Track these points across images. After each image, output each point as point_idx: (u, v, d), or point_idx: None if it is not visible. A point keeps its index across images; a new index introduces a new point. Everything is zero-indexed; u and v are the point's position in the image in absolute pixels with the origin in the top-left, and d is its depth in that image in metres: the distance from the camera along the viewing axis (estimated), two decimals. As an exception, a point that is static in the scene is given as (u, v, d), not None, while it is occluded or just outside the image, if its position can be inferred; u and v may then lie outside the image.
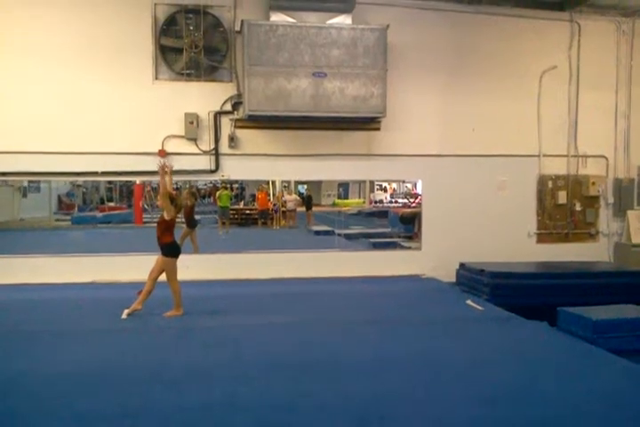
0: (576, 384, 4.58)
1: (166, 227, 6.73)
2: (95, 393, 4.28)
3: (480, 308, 7.32)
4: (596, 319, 6.31)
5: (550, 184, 10.26)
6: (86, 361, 5.05)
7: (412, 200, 14.69)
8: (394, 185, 16.89)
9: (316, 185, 14.17)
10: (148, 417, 3.85)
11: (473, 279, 8.77)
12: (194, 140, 9.20)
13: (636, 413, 4.05)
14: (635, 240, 10.27)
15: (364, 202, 15.40)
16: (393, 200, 16.56)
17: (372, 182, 14.34)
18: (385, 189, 16.75)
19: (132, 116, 9.00)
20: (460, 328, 6.39)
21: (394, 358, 5.20)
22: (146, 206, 11.08)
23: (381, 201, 16.20)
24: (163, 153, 9.06)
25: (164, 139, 9.13)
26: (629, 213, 10.42)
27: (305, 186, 13.59)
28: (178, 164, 9.12)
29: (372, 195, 15.57)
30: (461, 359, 5.21)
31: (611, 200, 10.46)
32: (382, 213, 13.44)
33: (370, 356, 5.28)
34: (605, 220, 10.49)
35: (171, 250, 6.70)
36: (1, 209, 10.34)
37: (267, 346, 5.58)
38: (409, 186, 15.70)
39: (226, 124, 9.33)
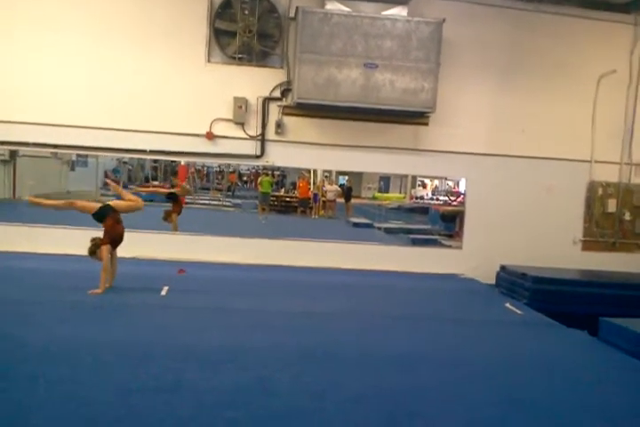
0: (614, 396, 4.43)
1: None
2: (134, 365, 4.33)
3: (519, 312, 7.18)
4: (640, 332, 6.12)
5: (600, 191, 9.96)
6: (127, 334, 5.13)
7: (452, 198, 14.48)
8: (435, 182, 16.70)
9: (357, 177, 14.09)
10: (182, 394, 3.87)
11: (513, 282, 8.60)
12: (241, 124, 9.22)
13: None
14: (684, 254, 9.94)
15: (404, 197, 15.24)
16: (434, 197, 16.35)
17: (414, 178, 14.19)
18: (425, 186, 16.56)
19: (182, 97, 9.08)
20: (497, 330, 6.28)
21: (426, 355, 5.16)
22: (188, 187, 11.18)
23: (422, 197, 16.01)
24: (210, 135, 9.12)
25: (212, 121, 9.18)
26: (680, 225, 10.08)
27: (346, 177, 13.51)
28: (224, 147, 9.24)
29: (413, 190, 15.40)
30: (495, 361, 5.12)
31: (662, 211, 10.13)
32: (423, 210, 13.28)
33: (402, 351, 5.23)
34: (655, 231, 10.16)
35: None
36: (49, 181, 10.59)
37: (301, 334, 5.58)
38: (450, 184, 15.48)
39: (274, 111, 9.32)
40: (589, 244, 9.98)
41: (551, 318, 6.95)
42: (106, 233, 6.62)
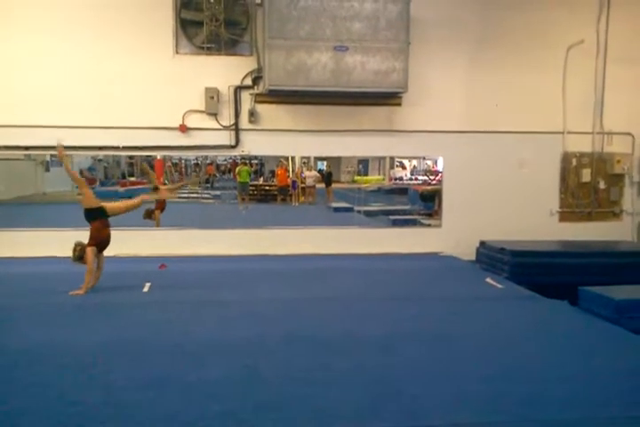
0: (597, 363, 4.54)
1: None
2: (119, 363, 4.35)
3: (499, 286, 7.29)
4: (619, 299, 6.24)
5: (574, 162, 10.08)
6: (111, 333, 5.14)
7: (431, 177, 14.54)
8: (414, 162, 16.70)
9: (335, 161, 14.05)
10: (170, 388, 3.90)
11: (493, 258, 8.72)
12: (214, 115, 9.18)
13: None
14: (659, 220, 10.12)
15: (383, 179, 15.24)
16: (413, 177, 16.35)
17: (391, 159, 14.20)
18: (404, 166, 16.56)
19: (152, 91, 9.00)
20: (479, 306, 6.36)
21: (411, 335, 5.22)
22: (166, 182, 11.12)
23: (401, 178, 16.00)
24: (183, 128, 9.06)
25: (185, 113, 9.12)
26: (654, 191, 10.25)
27: (324, 162, 13.50)
28: (198, 139, 9.19)
29: (391, 172, 15.42)
30: (479, 337, 5.21)
31: (636, 178, 10.27)
32: (402, 191, 13.31)
33: (387, 332, 5.30)
34: (630, 198, 10.31)
35: None
36: (24, 183, 10.46)
37: (285, 321, 5.62)
38: (429, 163, 15.52)
39: (246, 99, 9.28)
40: (566, 215, 10.12)
41: (532, 291, 7.06)
42: (92, 235, 6.58)
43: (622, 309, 6.14)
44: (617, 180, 10.24)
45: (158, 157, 10.54)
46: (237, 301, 6.39)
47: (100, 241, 6.60)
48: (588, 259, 8.35)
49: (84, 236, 6.64)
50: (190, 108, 9.14)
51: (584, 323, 5.83)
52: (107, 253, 7.15)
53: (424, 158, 14.83)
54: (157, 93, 9.01)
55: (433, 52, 9.48)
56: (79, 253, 6.51)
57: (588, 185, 10.14)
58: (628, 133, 10.15)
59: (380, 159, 14.73)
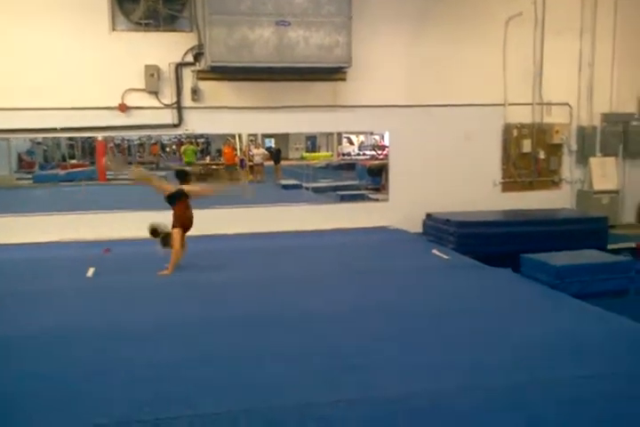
0: (539, 328, 4.74)
1: None
2: (63, 352, 4.27)
3: (446, 257, 7.46)
4: (558, 265, 6.53)
5: (515, 133, 10.32)
6: (55, 320, 5.02)
7: (379, 152, 14.65)
8: (361, 137, 16.75)
9: (283, 138, 13.96)
10: (118, 374, 3.86)
11: (439, 229, 8.91)
12: (155, 93, 8.95)
13: (591, 347, 4.31)
14: (596, 187, 10.49)
15: (331, 155, 15.25)
16: (361, 153, 16.43)
17: (339, 135, 14.20)
18: (352, 142, 16.60)
19: (89, 70, 8.70)
20: (426, 277, 6.51)
21: (363, 309, 5.28)
22: (109, 163, 10.85)
23: (349, 154, 16.05)
24: (123, 107, 8.82)
25: (124, 92, 8.86)
26: (591, 160, 10.60)
27: (272, 139, 13.40)
28: (139, 118, 8.96)
29: (339, 147, 15.44)
30: (428, 307, 5.32)
31: (574, 148, 10.60)
32: (350, 166, 13.38)
33: (339, 307, 5.34)
34: (568, 167, 10.67)
35: None
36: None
37: (236, 302, 5.58)
38: (377, 138, 15.61)
39: (188, 77, 9.08)
40: (508, 185, 10.39)
41: (477, 260, 7.26)
42: (177, 217, 6.81)
43: (562, 274, 6.44)
44: (556, 149, 10.56)
45: (99, 139, 10.24)
46: (184, 282, 6.30)
47: (184, 221, 6.83)
48: (529, 227, 8.65)
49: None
50: (130, 86, 8.88)
51: (526, 289, 6.05)
52: (50, 238, 7.01)
53: (372, 133, 14.90)
54: (95, 72, 8.70)
55: (376, 26, 9.46)
56: (165, 239, 6.75)
57: (528, 155, 10.42)
58: (566, 104, 10.44)
59: (328, 135, 14.71)
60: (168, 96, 9.03)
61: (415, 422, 3.23)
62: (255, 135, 12.17)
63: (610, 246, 8.82)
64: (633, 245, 9.10)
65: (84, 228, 8.78)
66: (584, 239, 8.32)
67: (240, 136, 11.74)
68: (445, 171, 9.90)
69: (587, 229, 8.83)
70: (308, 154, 14.87)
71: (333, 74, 9.36)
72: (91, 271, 6.67)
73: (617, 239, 9.31)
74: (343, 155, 15.35)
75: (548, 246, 7.43)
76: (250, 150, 11.95)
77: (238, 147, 11.89)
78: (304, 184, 11.56)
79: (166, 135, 10.94)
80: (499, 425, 3.19)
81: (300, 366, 3.97)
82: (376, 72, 9.53)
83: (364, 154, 15.73)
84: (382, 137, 14.20)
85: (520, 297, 5.75)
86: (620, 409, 3.33)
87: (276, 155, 12.59)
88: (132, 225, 8.87)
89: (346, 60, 8.89)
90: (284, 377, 3.79)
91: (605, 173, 10.56)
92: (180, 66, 9.02)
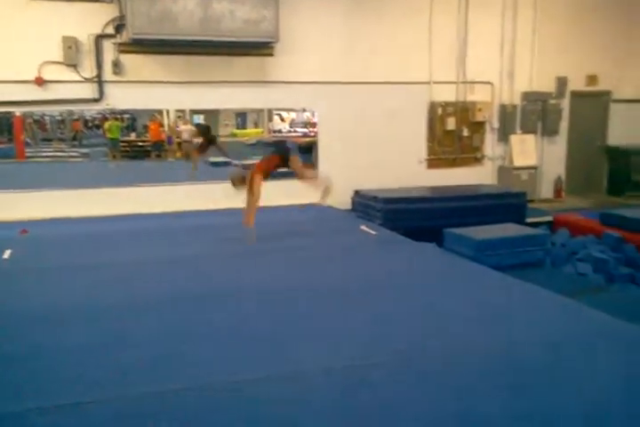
0: (459, 298, 4.95)
1: None
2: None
3: (373, 232, 7.60)
4: (478, 239, 6.78)
5: (440, 111, 10.56)
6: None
7: (311, 129, 14.63)
8: (292, 114, 16.67)
9: (212, 115, 13.72)
10: (34, 360, 3.76)
11: (367, 206, 9.06)
12: (74, 66, 8.56)
13: (502, 314, 4.57)
14: (516, 163, 10.93)
15: (262, 132, 15.14)
16: (292, 130, 16.36)
17: (270, 111, 14.10)
18: (283, 119, 16.49)
19: (3, 41, 8.19)
20: (354, 253, 6.60)
21: (291, 286, 5.29)
22: (28, 140, 10.36)
23: (280, 131, 15.96)
24: (40, 81, 8.40)
25: (41, 65, 8.43)
26: (512, 137, 11.00)
27: (201, 116, 13.13)
28: (57, 93, 8.57)
29: (270, 124, 15.32)
30: (355, 283, 5.39)
31: (495, 125, 10.95)
32: (282, 143, 13.34)
33: (265, 285, 5.33)
34: (490, 144, 11.03)
35: None
36: None
37: (160, 282, 5.43)
38: (308, 114, 15.57)
39: (109, 49, 8.71)
40: (434, 161, 10.66)
41: (405, 235, 7.42)
42: (262, 167, 6.85)
43: (481, 247, 6.69)
44: (479, 127, 10.88)
45: (17, 114, 9.75)
46: (104, 264, 6.05)
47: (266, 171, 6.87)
48: (452, 203, 8.93)
49: None
50: (47, 59, 8.45)
51: (447, 261, 6.27)
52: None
53: (303, 110, 14.85)
54: (9, 44, 8.20)
55: (305, 1, 9.37)
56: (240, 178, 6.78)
57: (452, 133, 10.70)
58: (489, 82, 10.74)
59: (259, 112, 14.57)
60: (88, 69, 8.66)
61: (341, 394, 3.30)
62: (183, 111, 11.90)
63: (529, 220, 9.24)
64: (550, 218, 9.55)
65: (4, 207, 8.37)
66: (504, 214, 8.65)
67: (168, 112, 11.46)
68: (373, 148, 10.02)
69: (507, 203, 9.20)
70: (238, 131, 14.68)
71: (261, 49, 9.22)
72: (7, 253, 6.39)
73: (535, 213, 9.75)
74: (274, 132, 15.26)
75: (470, 221, 7.71)
76: (177, 127, 11.69)
77: (166, 123, 11.61)
78: (234, 161, 11.44)
79: (89, 111, 10.51)
80: (408, 394, 3.31)
81: (225, 345, 3.97)
82: (304, 48, 9.47)
83: (295, 131, 15.68)
84: (314, 114, 14.20)
85: (442, 270, 5.94)
86: (533, 379, 3.47)
87: (204, 131, 12.38)
88: (53, 205, 8.57)
89: (272, 36, 8.77)
90: (210, 356, 3.78)
91: (525, 149, 11.00)
92: (99, 38, 8.65)
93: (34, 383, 3.42)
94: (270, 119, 15.26)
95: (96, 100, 8.74)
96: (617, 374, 3.53)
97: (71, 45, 8.46)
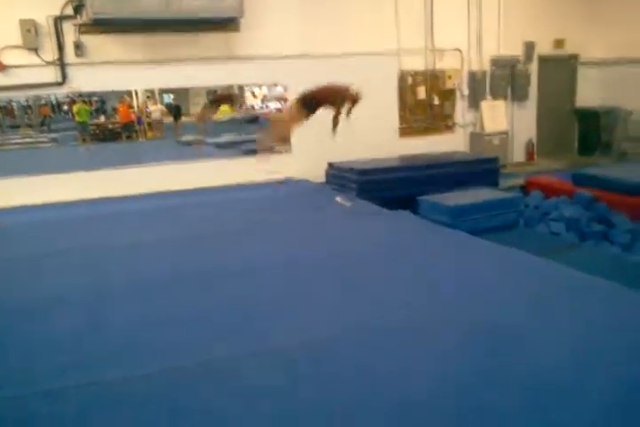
0: (436, 262, 5.07)
1: None
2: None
3: (349, 204, 7.63)
4: (451, 205, 6.87)
5: (410, 80, 10.54)
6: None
7: (284, 104, 14.51)
8: (264, 89, 16.50)
9: (182, 93, 13.54)
10: (10, 347, 3.77)
11: (342, 177, 9.09)
12: (34, 49, 8.37)
13: (474, 277, 4.66)
14: (487, 129, 11.01)
15: (234, 109, 14.98)
16: (264, 105, 16.21)
17: (241, 88, 13.94)
18: (255, 95, 16.32)
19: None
20: (329, 225, 6.65)
21: (265, 262, 5.26)
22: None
23: (253, 107, 15.82)
24: (0, 66, 8.21)
25: (0, 50, 8.24)
26: (482, 103, 11.05)
27: (171, 95, 12.94)
28: (19, 78, 8.39)
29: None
30: (332, 256, 5.40)
31: (465, 92, 10.98)
32: (254, 120, 13.23)
33: (240, 263, 5.28)
34: (461, 112, 11.07)
35: None
36: None
37: (137, 266, 5.36)
38: (280, 89, 15.42)
39: (69, 31, 8.52)
40: (406, 130, 10.69)
41: (381, 206, 7.44)
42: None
43: (455, 213, 6.79)
44: (449, 95, 10.91)
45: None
46: (78, 249, 5.95)
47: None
48: (426, 171, 8.98)
49: None
50: (6, 43, 8.25)
51: (422, 228, 6.35)
52: None
53: (275, 85, 14.71)
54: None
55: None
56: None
57: (423, 102, 10.71)
58: (457, 50, 10.73)
59: (229, 89, 14.39)
60: (50, 52, 8.48)
61: (314, 367, 3.36)
62: (152, 91, 11.74)
63: (502, 184, 9.36)
64: (523, 181, 9.67)
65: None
66: (478, 179, 8.74)
67: (137, 93, 11.29)
68: (347, 120, 9.97)
69: (479, 169, 9.28)
70: (209, 109, 14.50)
71: (226, 24, 9.09)
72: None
73: (508, 177, 9.87)
74: (246, 108, 15.12)
75: (444, 188, 7.78)
76: (147, 107, 11.54)
77: (136, 104, 11.45)
78: (208, 139, 11.35)
79: (56, 95, 10.33)
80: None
81: (201, 325, 3.99)
82: (270, 22, 9.36)
83: (267, 106, 15.55)
84: (286, 89, 14.08)
85: (418, 236, 6.01)
86: (514, 336, 3.58)
87: (175, 111, 12.24)
88: (23, 191, 8.46)
89: (237, 11, 8.64)
90: (185, 337, 3.79)
91: (495, 115, 11.07)
92: (59, 19, 8.44)
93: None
94: (242, 95, 15.09)
95: (59, 84, 8.57)
96: (595, 325, 3.67)
97: (30, 28, 8.26)
